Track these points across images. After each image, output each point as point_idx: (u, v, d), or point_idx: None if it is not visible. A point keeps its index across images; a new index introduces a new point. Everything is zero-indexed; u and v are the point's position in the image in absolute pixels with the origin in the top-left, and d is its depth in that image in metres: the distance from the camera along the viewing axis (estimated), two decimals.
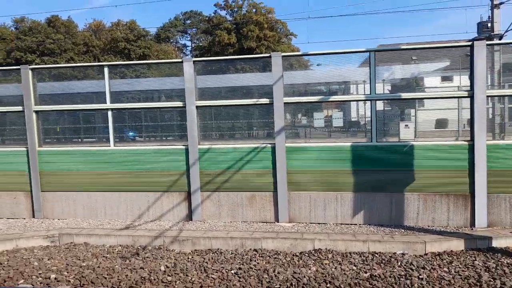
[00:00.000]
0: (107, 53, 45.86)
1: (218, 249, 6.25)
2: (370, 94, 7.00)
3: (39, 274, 5.34)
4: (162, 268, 5.47)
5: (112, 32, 47.94)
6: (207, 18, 53.11)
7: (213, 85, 8.35)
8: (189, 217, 7.54)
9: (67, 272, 5.40)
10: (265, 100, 7.33)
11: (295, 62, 8.19)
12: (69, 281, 5.12)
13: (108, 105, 7.74)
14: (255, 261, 5.66)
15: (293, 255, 5.90)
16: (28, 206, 8.11)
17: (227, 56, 8.12)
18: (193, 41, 59.49)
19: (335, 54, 7.37)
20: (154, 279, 5.11)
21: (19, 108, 8.03)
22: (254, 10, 47.00)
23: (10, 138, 9.11)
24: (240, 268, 5.36)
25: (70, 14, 50.86)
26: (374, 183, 6.98)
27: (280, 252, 6.01)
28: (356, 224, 7.10)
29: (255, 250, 6.12)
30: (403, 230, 6.68)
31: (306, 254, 5.88)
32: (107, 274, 5.29)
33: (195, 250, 6.31)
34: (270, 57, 7.23)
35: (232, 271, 5.29)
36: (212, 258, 5.83)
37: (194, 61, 7.56)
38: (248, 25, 44.21)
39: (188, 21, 58.95)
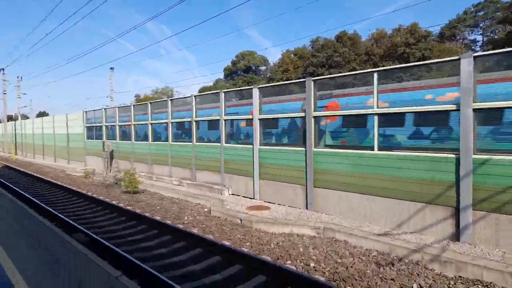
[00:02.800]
0: (386, 60, 46.66)
1: (490, 283, 5.11)
2: None
3: (302, 259, 6.10)
4: (415, 286, 5.02)
5: (392, 38, 48.37)
6: (507, 5, 44.26)
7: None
8: (456, 237, 6.53)
9: (324, 264, 5.89)
10: None
11: None
12: (324, 272, 5.57)
13: (375, 109, 7.85)
14: None
15: None
16: (303, 198, 9.43)
17: None
18: (485, 35, 51.12)
19: None
20: None
21: (302, 114, 9.45)
22: None
23: (290, 139, 10.89)
24: None
25: (356, 28, 55.37)
26: None
27: None
28: None
29: None
30: None
31: None
32: (358, 277, 5.38)
33: (459, 276, 5.41)
34: None
35: None
36: None
37: (474, 57, 6.48)
38: None
39: (481, 13, 51.18)
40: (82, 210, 10.32)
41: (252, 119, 10.95)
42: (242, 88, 12.77)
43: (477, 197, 6.27)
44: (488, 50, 40.06)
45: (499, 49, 6.65)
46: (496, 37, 46.84)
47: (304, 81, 9.43)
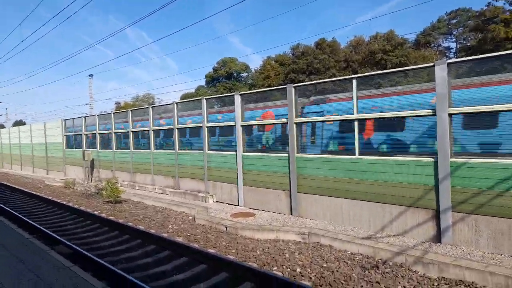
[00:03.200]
0: (364, 66, 47.58)
1: (472, 282, 5.25)
2: None
3: (288, 265, 6.13)
4: None
5: (370, 45, 49.42)
6: (477, 14, 46.03)
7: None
8: (437, 238, 6.70)
9: (310, 269, 5.93)
10: None
11: None
12: (310, 277, 5.61)
13: (355, 115, 8.00)
14: None
15: None
16: (287, 204, 9.47)
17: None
18: (459, 42, 52.92)
19: None
20: None
21: (284, 120, 9.55)
22: None
23: (278, 146, 10.98)
24: None
25: (334, 35, 56.46)
26: None
27: None
28: None
29: None
30: None
31: None
32: (344, 280, 5.44)
33: (443, 277, 5.54)
34: None
35: None
36: None
37: (448, 64, 6.71)
38: None
39: (454, 21, 53.02)
40: (63, 221, 10.06)
41: (235, 125, 10.97)
42: (224, 95, 12.79)
43: (456, 199, 6.46)
44: (461, 57, 41.47)
45: (471, 55, 6.91)
46: (468, 44, 48.58)
47: (286, 87, 9.53)
